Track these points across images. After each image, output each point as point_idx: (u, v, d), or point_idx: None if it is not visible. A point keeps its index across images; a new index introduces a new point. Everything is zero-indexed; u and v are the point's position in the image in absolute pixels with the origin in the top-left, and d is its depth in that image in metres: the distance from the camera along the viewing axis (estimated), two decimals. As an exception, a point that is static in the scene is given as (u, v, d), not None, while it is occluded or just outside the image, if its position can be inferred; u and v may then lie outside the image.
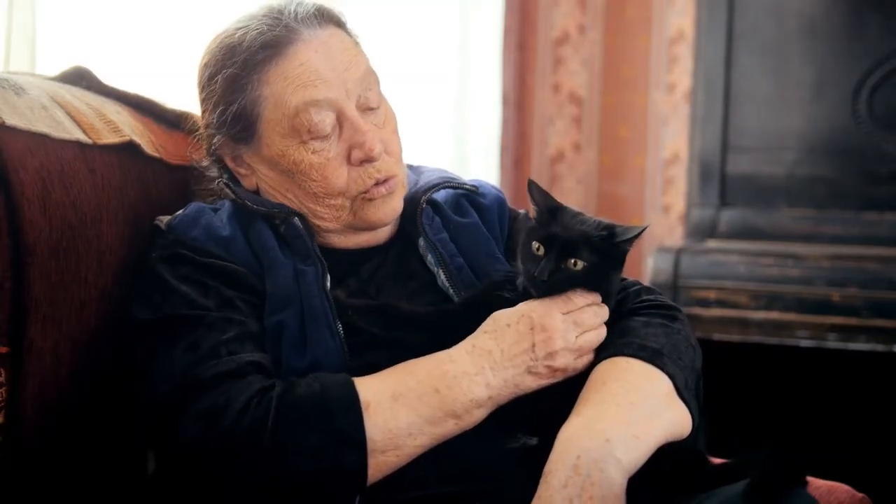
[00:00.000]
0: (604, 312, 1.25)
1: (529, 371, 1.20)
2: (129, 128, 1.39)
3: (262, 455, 1.12)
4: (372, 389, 1.17)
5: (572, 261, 1.19)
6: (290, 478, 1.13)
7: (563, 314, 1.22)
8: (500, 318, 1.22)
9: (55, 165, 1.24)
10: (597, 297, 1.24)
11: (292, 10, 1.31)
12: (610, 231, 1.20)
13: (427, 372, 1.19)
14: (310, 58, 1.29)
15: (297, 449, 1.12)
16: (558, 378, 1.22)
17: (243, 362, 1.18)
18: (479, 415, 1.19)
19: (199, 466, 1.15)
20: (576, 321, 1.22)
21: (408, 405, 1.17)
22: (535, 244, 1.21)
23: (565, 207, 1.24)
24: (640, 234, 1.20)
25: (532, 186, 1.25)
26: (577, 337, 1.22)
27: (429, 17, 2.99)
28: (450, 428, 1.18)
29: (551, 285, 1.20)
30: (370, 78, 1.34)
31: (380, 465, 1.16)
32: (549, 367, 1.21)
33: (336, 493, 1.16)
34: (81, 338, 1.27)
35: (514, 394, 1.20)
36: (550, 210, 1.23)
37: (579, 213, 1.24)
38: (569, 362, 1.22)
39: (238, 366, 1.17)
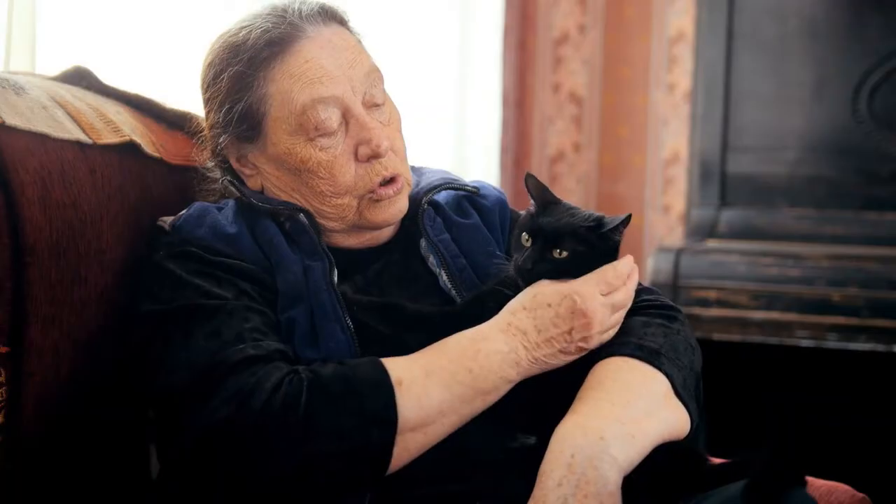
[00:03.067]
0: (632, 287, 1.26)
1: (561, 351, 1.21)
2: (130, 128, 1.39)
3: (295, 434, 1.12)
4: (403, 368, 1.17)
5: (557, 250, 1.21)
6: (320, 456, 1.12)
7: (604, 297, 1.22)
8: (541, 296, 1.22)
9: (55, 165, 1.24)
10: (633, 269, 1.25)
11: (296, 7, 1.32)
12: (598, 222, 1.22)
13: (459, 351, 1.19)
14: (315, 54, 1.30)
15: (328, 428, 1.12)
16: (581, 355, 1.23)
17: (272, 349, 1.18)
18: (504, 390, 1.20)
19: (218, 453, 1.14)
20: (613, 304, 1.23)
21: (441, 383, 1.17)
22: (523, 235, 1.24)
23: (561, 202, 1.26)
24: (625, 221, 1.21)
25: (529, 180, 1.27)
26: (609, 317, 1.23)
27: (429, 17, 2.99)
28: (478, 406, 1.19)
29: (534, 274, 1.22)
30: (375, 75, 1.34)
31: (407, 444, 1.15)
32: (580, 347, 1.22)
33: (359, 474, 1.15)
34: (81, 338, 1.27)
35: (542, 370, 1.21)
36: (545, 203, 1.25)
37: (573, 207, 1.25)
38: (598, 341, 1.23)
39: (267, 352, 1.17)
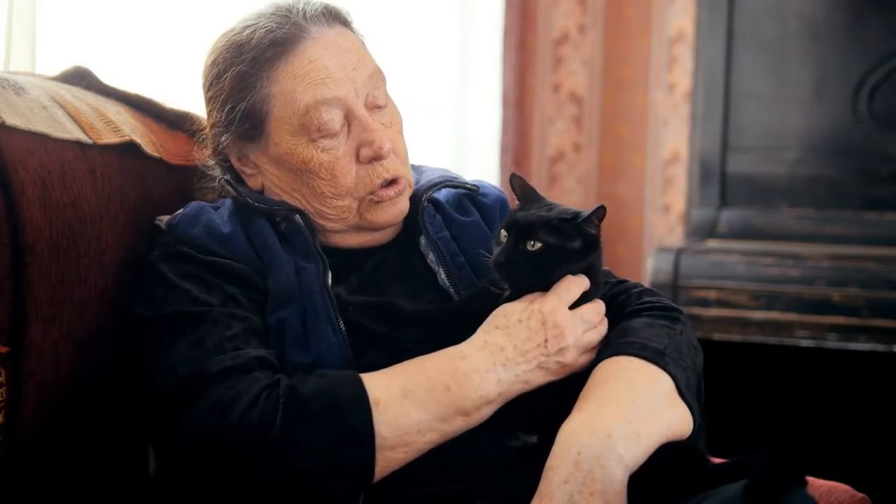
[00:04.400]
0: (601, 308, 1.26)
1: (540, 366, 1.21)
2: (130, 128, 1.39)
3: (271, 450, 1.12)
4: (381, 386, 1.17)
5: (530, 242, 1.21)
6: (298, 473, 1.13)
7: (571, 310, 1.22)
8: (511, 314, 1.22)
9: (55, 165, 1.24)
10: (586, 282, 1.25)
11: (301, 8, 1.32)
12: (574, 214, 1.22)
13: (437, 368, 1.19)
14: (319, 55, 1.30)
15: (305, 444, 1.13)
16: (563, 374, 1.22)
17: (249, 357, 1.18)
18: (487, 411, 1.19)
19: (207, 460, 1.15)
20: (582, 318, 1.23)
21: (418, 402, 1.17)
22: (502, 232, 1.24)
23: (542, 199, 1.26)
24: (597, 212, 1.21)
25: (514, 179, 1.27)
26: (583, 333, 1.23)
27: (429, 17, 2.99)
28: (458, 425, 1.18)
29: (509, 266, 1.22)
30: (377, 77, 1.34)
31: (388, 461, 1.16)
32: (558, 362, 1.21)
33: (342, 489, 1.16)
34: (81, 337, 1.27)
35: (523, 389, 1.21)
36: (527, 201, 1.26)
37: (556, 204, 1.25)
38: (576, 358, 1.22)
39: (244, 361, 1.17)
